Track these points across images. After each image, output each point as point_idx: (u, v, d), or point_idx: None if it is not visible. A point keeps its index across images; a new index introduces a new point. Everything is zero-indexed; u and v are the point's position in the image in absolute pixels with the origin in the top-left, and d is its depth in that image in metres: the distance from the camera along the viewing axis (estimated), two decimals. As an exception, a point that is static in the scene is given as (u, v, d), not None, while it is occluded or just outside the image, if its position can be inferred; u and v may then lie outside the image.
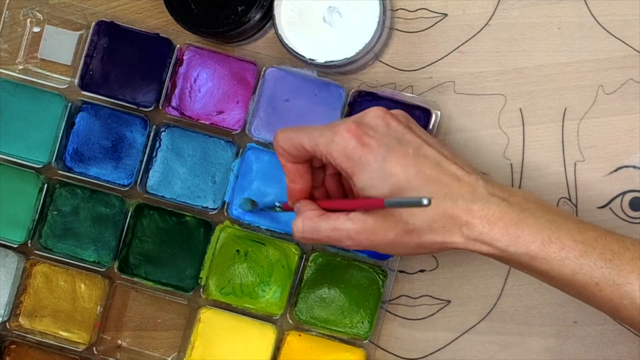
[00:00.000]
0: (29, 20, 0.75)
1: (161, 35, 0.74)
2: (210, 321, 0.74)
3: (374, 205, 0.59)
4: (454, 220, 0.59)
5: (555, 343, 0.73)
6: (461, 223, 0.59)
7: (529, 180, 0.73)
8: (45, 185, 0.74)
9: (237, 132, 0.74)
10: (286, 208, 0.67)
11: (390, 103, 0.72)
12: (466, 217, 0.59)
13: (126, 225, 0.74)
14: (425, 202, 0.52)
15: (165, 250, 0.74)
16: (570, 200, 0.73)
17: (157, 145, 0.74)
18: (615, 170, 0.72)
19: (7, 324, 0.75)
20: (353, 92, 0.72)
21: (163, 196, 0.74)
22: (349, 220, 0.60)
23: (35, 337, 0.75)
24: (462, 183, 0.60)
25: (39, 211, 0.74)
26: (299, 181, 0.64)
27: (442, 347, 0.74)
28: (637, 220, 0.72)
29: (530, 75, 0.73)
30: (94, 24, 0.74)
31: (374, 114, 0.61)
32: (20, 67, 0.75)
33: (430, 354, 0.74)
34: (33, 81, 0.74)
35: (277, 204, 0.68)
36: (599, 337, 0.73)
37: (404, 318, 0.74)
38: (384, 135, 0.60)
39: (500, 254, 0.59)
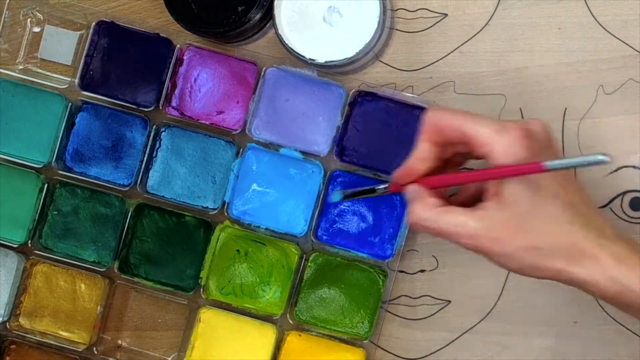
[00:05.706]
0: (29, 20, 0.75)
1: (161, 35, 0.74)
2: (210, 321, 0.74)
3: (526, 171, 0.56)
4: (582, 251, 0.58)
5: (555, 343, 0.73)
6: (588, 255, 0.58)
7: (529, 180, 0.73)
8: (46, 185, 0.74)
9: (237, 132, 0.73)
10: (394, 189, 0.64)
11: (390, 103, 0.72)
12: (594, 250, 0.58)
13: (126, 225, 0.74)
14: (604, 158, 0.50)
15: (165, 250, 0.74)
16: (570, 200, 0.73)
17: (157, 145, 0.74)
18: (615, 170, 0.72)
19: (7, 324, 0.75)
20: (353, 92, 0.72)
21: (163, 196, 0.74)
22: (478, 220, 0.58)
23: (35, 337, 0.75)
24: (597, 217, 0.59)
25: (39, 211, 0.74)
26: (425, 164, 0.61)
27: (442, 347, 0.74)
28: (637, 220, 0.72)
29: (530, 75, 0.73)
30: (94, 24, 0.74)
31: (539, 128, 0.59)
32: (21, 67, 0.75)
33: (430, 354, 0.74)
34: (33, 81, 0.74)
35: (382, 187, 0.65)
36: (599, 337, 0.73)
37: (404, 318, 0.74)
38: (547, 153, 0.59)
39: (621, 291, 0.58)
